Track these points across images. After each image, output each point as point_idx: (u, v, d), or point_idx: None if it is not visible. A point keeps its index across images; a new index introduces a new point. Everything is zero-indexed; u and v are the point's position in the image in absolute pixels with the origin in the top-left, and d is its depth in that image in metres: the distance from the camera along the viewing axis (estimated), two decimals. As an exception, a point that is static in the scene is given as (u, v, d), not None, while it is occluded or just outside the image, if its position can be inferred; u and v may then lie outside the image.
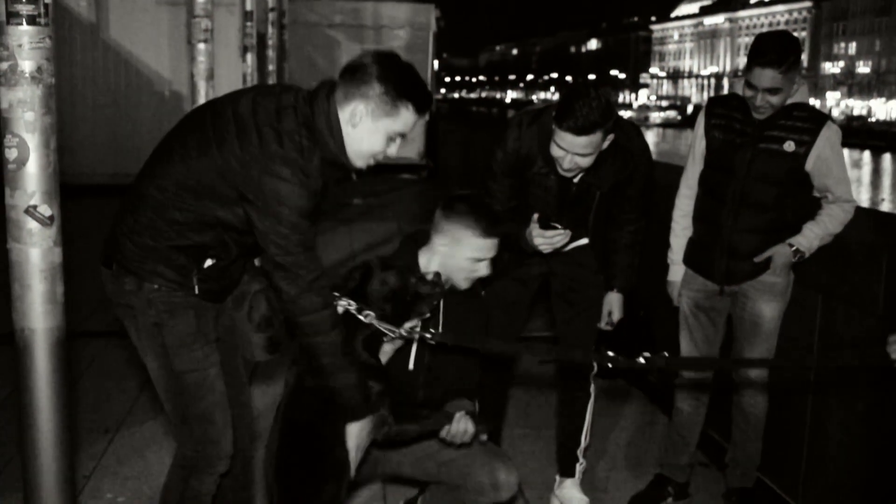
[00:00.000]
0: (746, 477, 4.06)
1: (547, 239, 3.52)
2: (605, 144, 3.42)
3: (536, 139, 3.55)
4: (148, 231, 2.72)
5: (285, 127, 2.64)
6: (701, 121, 3.90)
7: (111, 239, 2.81)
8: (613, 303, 3.85)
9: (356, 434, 2.87)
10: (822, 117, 3.67)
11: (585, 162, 3.42)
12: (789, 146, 3.62)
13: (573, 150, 3.36)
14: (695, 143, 3.92)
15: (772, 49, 3.55)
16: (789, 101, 3.64)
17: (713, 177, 3.83)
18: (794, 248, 3.67)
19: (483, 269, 3.22)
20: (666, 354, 3.01)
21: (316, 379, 2.82)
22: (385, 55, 2.75)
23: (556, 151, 3.42)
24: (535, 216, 3.55)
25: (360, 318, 2.86)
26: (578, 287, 3.89)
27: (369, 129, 2.71)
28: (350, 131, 2.71)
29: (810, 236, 3.67)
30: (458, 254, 3.19)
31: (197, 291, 2.78)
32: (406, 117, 2.73)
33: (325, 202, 2.85)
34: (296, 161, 2.61)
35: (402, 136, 2.77)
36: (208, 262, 2.78)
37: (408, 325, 2.99)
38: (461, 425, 3.08)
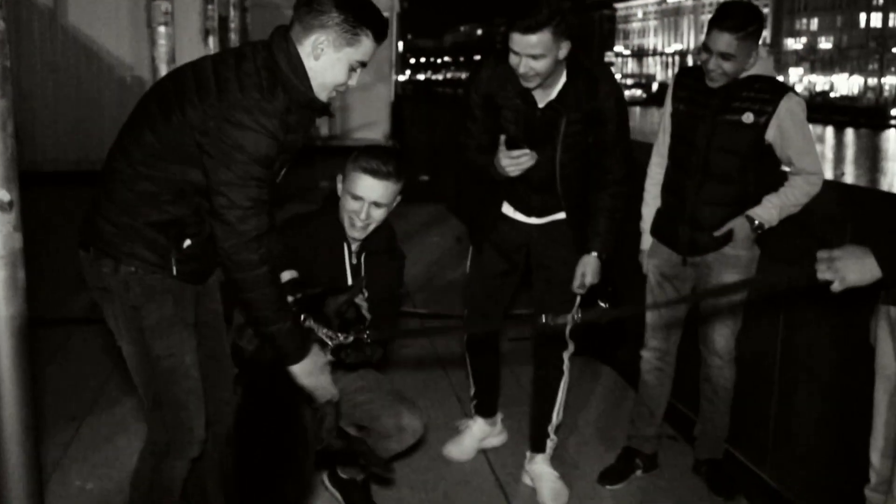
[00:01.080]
0: (715, 449, 4.10)
1: (513, 160, 3.57)
2: (562, 53, 3.49)
3: (507, 74, 3.59)
4: (124, 209, 2.71)
5: (244, 70, 2.62)
6: (670, 90, 3.94)
7: (88, 221, 2.78)
8: (587, 265, 3.80)
9: (302, 373, 2.85)
10: (782, 88, 3.69)
11: (540, 65, 3.46)
12: (748, 118, 3.64)
13: (525, 52, 3.43)
14: (664, 113, 3.96)
15: (732, 14, 3.59)
16: (752, 72, 3.66)
17: (677, 148, 3.87)
18: (754, 221, 3.70)
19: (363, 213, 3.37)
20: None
21: (252, 328, 2.89)
22: None
23: (512, 59, 3.49)
24: (502, 137, 3.61)
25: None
26: (552, 263, 3.90)
27: (332, 60, 2.69)
28: (312, 64, 2.69)
29: (768, 207, 3.70)
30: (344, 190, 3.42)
31: (175, 272, 2.76)
32: (367, 45, 2.71)
33: (296, 154, 2.85)
34: (256, 104, 2.57)
35: (363, 64, 2.75)
36: (187, 243, 2.76)
37: None
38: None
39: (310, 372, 2.86)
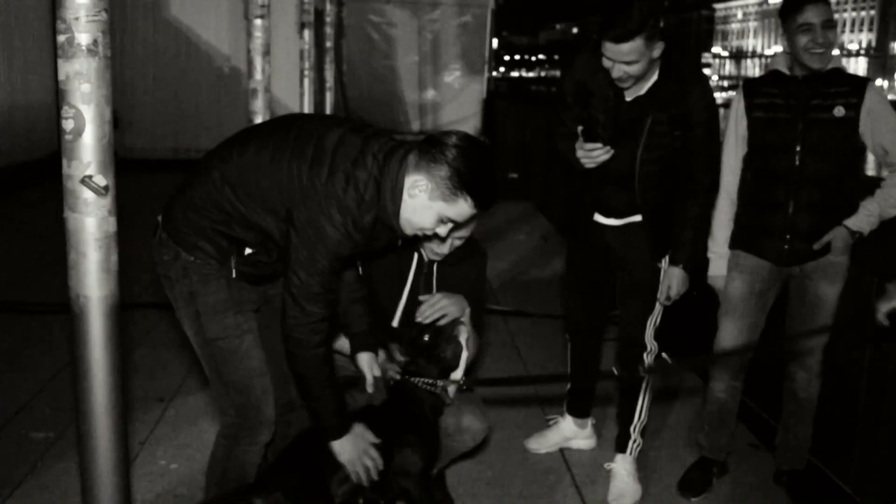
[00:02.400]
0: (797, 459, 4.01)
1: (586, 152, 3.58)
2: (656, 53, 3.46)
3: (601, 62, 3.56)
4: (199, 209, 2.79)
5: (356, 175, 2.66)
6: (740, 102, 3.78)
7: (168, 204, 2.89)
8: (672, 278, 3.76)
9: (340, 451, 2.95)
10: (862, 78, 3.63)
11: (634, 70, 3.45)
12: (839, 111, 3.56)
13: (618, 59, 3.42)
14: (735, 125, 3.79)
15: None
16: (833, 66, 3.59)
17: (763, 156, 3.73)
18: (853, 231, 3.60)
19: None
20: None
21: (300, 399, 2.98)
22: (468, 140, 2.72)
23: (605, 63, 3.48)
24: (580, 128, 3.63)
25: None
26: (628, 267, 3.87)
27: (423, 205, 2.71)
28: (406, 199, 2.71)
29: (865, 215, 3.60)
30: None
31: (234, 274, 2.86)
32: (462, 208, 2.71)
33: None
34: (350, 211, 2.64)
35: (454, 222, 2.78)
36: (248, 251, 2.84)
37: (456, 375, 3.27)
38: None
39: (349, 451, 2.95)
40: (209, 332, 2.87)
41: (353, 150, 2.69)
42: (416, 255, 3.48)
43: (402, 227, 2.77)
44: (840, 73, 3.61)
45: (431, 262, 3.47)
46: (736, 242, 3.88)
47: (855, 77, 3.63)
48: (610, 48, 3.41)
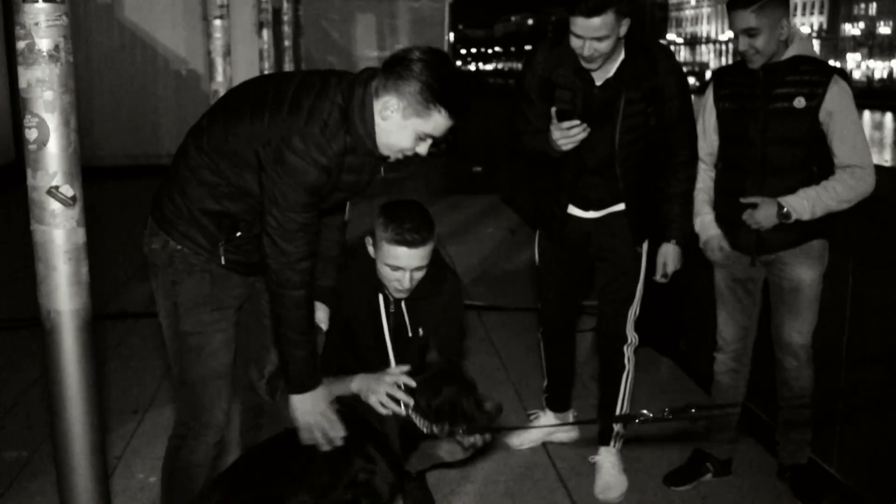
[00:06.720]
0: (799, 454, 3.91)
1: (563, 132, 3.48)
2: (623, 30, 3.40)
3: (562, 54, 3.53)
4: (184, 190, 2.77)
5: (319, 105, 2.62)
6: (710, 92, 3.78)
7: (156, 193, 2.87)
8: (668, 254, 3.76)
9: (299, 406, 2.84)
10: (829, 70, 3.53)
11: (604, 46, 3.38)
12: (799, 102, 3.49)
13: (588, 35, 3.35)
14: (704, 116, 3.78)
15: None
16: (792, 53, 3.52)
17: (730, 148, 3.71)
18: (782, 208, 3.54)
19: (404, 280, 3.20)
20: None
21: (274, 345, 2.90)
22: (431, 53, 2.66)
23: (574, 42, 3.41)
24: (554, 109, 3.54)
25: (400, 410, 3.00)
26: (610, 256, 3.84)
27: (398, 125, 2.66)
28: (380, 122, 2.66)
29: (800, 196, 3.52)
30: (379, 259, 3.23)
31: (223, 262, 2.81)
32: (437, 121, 2.65)
33: (351, 191, 2.84)
34: (313, 136, 2.59)
35: (433, 137, 2.71)
36: (238, 234, 2.80)
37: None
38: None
39: (307, 411, 2.85)
40: (182, 325, 2.84)
41: (315, 87, 2.67)
42: (381, 297, 3.34)
43: (380, 150, 2.72)
44: (805, 60, 3.53)
45: (398, 300, 3.34)
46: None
47: (822, 66, 3.54)
48: (580, 23, 3.35)
